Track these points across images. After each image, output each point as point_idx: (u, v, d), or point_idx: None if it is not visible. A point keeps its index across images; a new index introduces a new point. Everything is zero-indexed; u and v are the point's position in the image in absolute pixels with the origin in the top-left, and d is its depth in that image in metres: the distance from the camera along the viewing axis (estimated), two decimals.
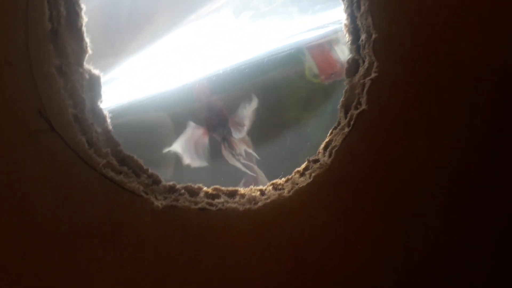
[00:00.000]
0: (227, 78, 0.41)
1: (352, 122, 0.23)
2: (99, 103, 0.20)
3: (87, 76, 0.19)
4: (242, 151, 0.40)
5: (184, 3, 0.38)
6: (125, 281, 0.19)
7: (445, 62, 0.23)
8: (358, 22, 0.24)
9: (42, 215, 0.18)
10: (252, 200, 0.22)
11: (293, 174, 0.24)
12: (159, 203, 0.19)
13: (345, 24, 0.25)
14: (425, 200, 0.24)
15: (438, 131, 0.24)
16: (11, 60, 0.17)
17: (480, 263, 0.25)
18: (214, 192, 0.22)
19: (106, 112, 0.20)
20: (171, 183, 0.21)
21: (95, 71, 0.20)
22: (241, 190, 0.23)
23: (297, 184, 0.23)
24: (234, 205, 0.22)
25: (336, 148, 0.23)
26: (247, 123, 0.41)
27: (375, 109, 0.23)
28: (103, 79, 0.20)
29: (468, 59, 0.23)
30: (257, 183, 0.36)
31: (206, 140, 0.38)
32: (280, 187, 0.24)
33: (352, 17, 0.25)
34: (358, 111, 0.23)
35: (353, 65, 0.25)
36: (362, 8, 0.23)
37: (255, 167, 0.40)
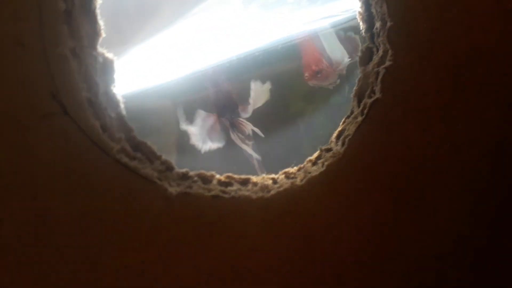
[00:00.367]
0: (234, 68, 0.40)
1: (365, 111, 0.23)
2: (112, 87, 0.19)
3: (100, 60, 0.19)
4: (249, 131, 0.40)
5: None
6: (138, 267, 0.19)
7: (461, 49, 0.23)
8: (373, 10, 0.24)
9: (54, 200, 0.18)
10: (265, 188, 0.22)
11: (305, 163, 0.24)
12: (173, 189, 0.19)
13: (359, 12, 0.25)
14: (438, 190, 0.24)
15: (453, 119, 0.23)
16: (24, 40, 0.17)
17: (493, 255, 0.25)
18: (227, 180, 0.22)
19: (119, 97, 0.19)
20: (184, 170, 0.21)
21: (109, 55, 0.19)
22: (254, 178, 0.23)
23: (309, 173, 0.23)
24: (247, 193, 0.21)
25: (349, 137, 0.23)
26: (256, 100, 0.40)
27: (389, 98, 0.23)
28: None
29: (484, 46, 0.23)
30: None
31: (218, 125, 0.38)
32: (292, 176, 0.23)
33: (366, 4, 0.24)
34: (372, 99, 0.23)
35: (366, 54, 0.25)
36: None
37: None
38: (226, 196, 0.21)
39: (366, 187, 0.23)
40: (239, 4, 0.36)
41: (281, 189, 0.22)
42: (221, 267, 0.21)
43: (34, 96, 0.17)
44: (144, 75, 0.39)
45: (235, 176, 0.23)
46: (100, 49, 0.19)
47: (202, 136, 0.37)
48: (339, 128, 0.24)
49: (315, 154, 0.24)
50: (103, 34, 0.19)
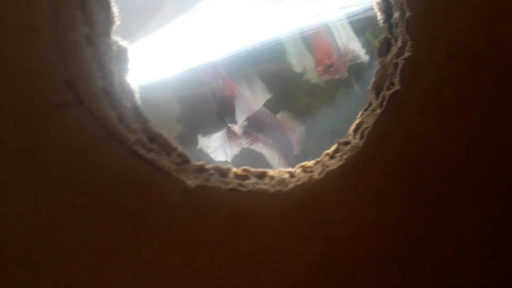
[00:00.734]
0: (237, 62, 0.40)
1: (384, 103, 0.23)
2: (126, 76, 0.19)
3: (115, 48, 0.18)
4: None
5: None
6: (154, 261, 0.19)
7: (481, 40, 0.23)
8: (391, 0, 0.24)
9: (69, 192, 0.17)
10: (282, 182, 0.22)
11: (322, 156, 0.23)
12: (190, 182, 0.19)
13: (376, 2, 0.24)
14: (455, 185, 0.24)
15: (473, 112, 0.23)
16: (37, 26, 0.16)
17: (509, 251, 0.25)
18: (244, 173, 0.21)
19: (134, 86, 0.19)
20: (200, 162, 0.20)
21: (123, 43, 0.19)
22: (270, 172, 0.22)
23: (327, 166, 0.22)
24: (264, 187, 0.21)
25: (368, 130, 0.22)
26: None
27: (408, 90, 0.23)
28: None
29: (505, 38, 0.23)
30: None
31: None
32: (309, 169, 0.23)
33: None
34: (391, 91, 0.23)
35: (384, 45, 0.24)
36: None
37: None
38: (244, 189, 0.20)
39: (384, 181, 0.23)
40: None
41: (299, 182, 0.22)
42: (238, 262, 0.20)
43: (47, 85, 0.17)
44: (147, 69, 0.38)
45: (252, 169, 0.22)
46: (114, 36, 0.19)
47: (222, 148, 0.36)
48: (357, 121, 0.24)
49: (332, 148, 0.24)
50: (117, 21, 0.19)
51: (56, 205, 0.17)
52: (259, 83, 0.39)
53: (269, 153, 0.41)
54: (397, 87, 0.22)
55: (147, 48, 0.35)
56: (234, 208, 0.20)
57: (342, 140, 0.23)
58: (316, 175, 0.22)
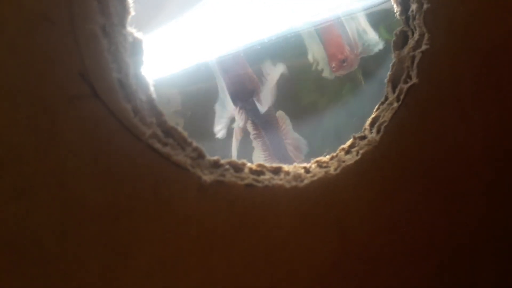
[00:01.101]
0: (250, 55, 0.39)
1: (401, 97, 0.22)
2: (141, 68, 0.18)
3: (130, 39, 0.18)
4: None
5: None
6: (169, 257, 0.18)
7: (499, 33, 0.22)
8: None
9: (82, 187, 0.17)
10: (298, 177, 0.21)
11: (338, 151, 0.23)
12: (207, 177, 0.18)
13: None
14: (472, 179, 0.23)
15: (491, 106, 0.23)
16: (51, 16, 0.16)
17: None
18: (259, 169, 0.21)
19: (149, 79, 0.18)
20: (215, 158, 0.20)
21: (138, 34, 0.18)
22: (285, 167, 0.22)
23: (343, 161, 0.22)
24: (280, 182, 0.20)
25: (385, 124, 0.22)
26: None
27: (426, 83, 0.22)
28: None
29: None
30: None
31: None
32: (325, 165, 0.22)
33: None
34: (408, 85, 0.22)
35: (401, 37, 0.24)
36: None
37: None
38: (260, 185, 0.20)
39: (401, 175, 0.22)
40: None
41: (315, 178, 0.21)
42: (253, 258, 0.20)
43: (62, 76, 0.16)
44: (155, 64, 0.38)
45: (266, 164, 0.22)
46: (130, 28, 0.18)
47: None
48: (373, 115, 0.23)
49: (348, 142, 0.23)
50: (132, 12, 0.18)
51: (70, 201, 0.17)
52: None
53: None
54: (414, 80, 0.22)
55: (156, 42, 0.34)
56: (249, 204, 0.19)
57: (358, 134, 0.23)
58: (332, 170, 0.22)
